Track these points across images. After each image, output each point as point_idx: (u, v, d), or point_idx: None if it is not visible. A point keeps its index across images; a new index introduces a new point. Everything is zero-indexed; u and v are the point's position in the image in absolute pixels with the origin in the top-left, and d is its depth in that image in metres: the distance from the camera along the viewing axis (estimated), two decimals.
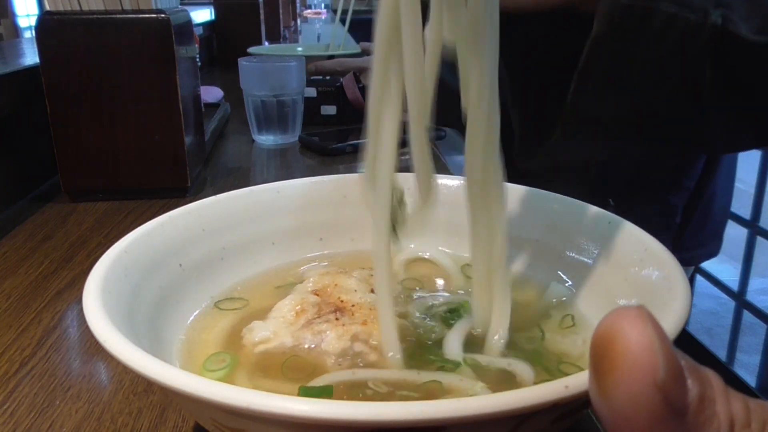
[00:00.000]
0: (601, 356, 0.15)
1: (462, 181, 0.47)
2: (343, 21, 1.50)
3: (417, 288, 0.42)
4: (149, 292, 0.35)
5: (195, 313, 0.38)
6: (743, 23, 0.48)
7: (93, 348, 0.45)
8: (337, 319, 0.36)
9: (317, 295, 0.38)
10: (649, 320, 0.15)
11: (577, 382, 0.21)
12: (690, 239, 1.03)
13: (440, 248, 0.46)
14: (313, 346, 0.34)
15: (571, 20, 0.49)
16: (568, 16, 0.49)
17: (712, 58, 0.48)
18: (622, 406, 0.15)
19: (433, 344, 0.35)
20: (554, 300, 0.39)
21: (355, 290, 0.38)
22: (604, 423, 0.15)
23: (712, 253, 1.10)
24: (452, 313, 0.37)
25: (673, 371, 0.15)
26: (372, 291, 0.39)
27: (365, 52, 1.33)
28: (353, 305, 0.37)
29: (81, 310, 0.28)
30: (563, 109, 0.51)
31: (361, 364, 0.33)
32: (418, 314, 0.38)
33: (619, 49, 0.47)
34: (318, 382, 0.31)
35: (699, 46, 0.47)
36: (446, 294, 0.41)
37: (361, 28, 1.55)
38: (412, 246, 0.47)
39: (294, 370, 0.33)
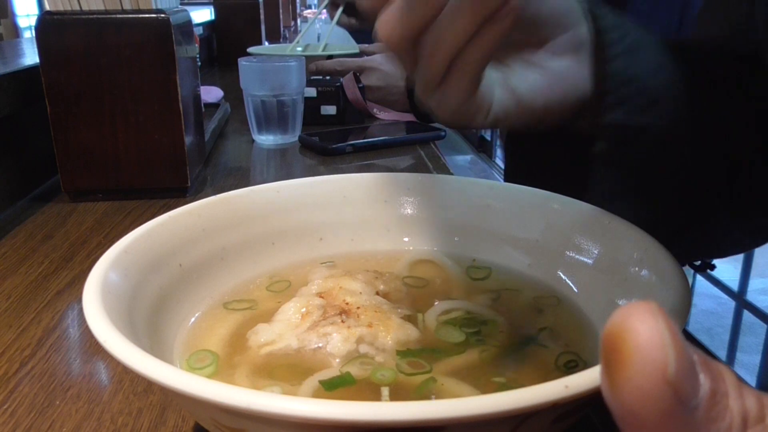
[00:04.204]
0: (611, 352, 0.15)
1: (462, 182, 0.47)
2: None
3: (420, 287, 0.42)
4: (149, 292, 0.35)
5: (196, 314, 0.38)
6: None
7: (93, 348, 0.45)
8: (342, 321, 0.36)
9: (322, 297, 0.38)
10: (659, 315, 0.15)
11: (577, 382, 0.21)
12: None
13: (441, 249, 0.46)
14: (318, 347, 0.34)
15: (570, 137, 0.48)
16: (566, 134, 0.48)
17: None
18: (632, 401, 0.15)
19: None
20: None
21: (360, 292, 0.38)
22: (616, 418, 0.15)
23: None
24: (477, 325, 0.37)
25: (683, 366, 0.14)
26: (377, 293, 0.39)
27: (364, 53, 1.33)
28: (358, 307, 0.37)
29: (81, 310, 0.28)
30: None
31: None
32: (429, 318, 0.38)
33: (624, 162, 0.47)
34: (315, 378, 0.31)
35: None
36: (457, 300, 0.40)
37: (362, 29, 1.55)
38: (412, 248, 0.47)
39: (298, 372, 0.33)
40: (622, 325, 0.15)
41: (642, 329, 0.14)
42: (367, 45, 1.34)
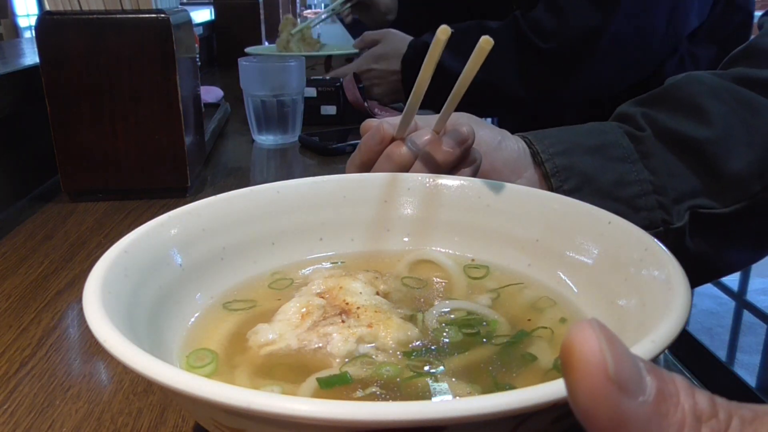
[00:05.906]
0: (565, 365, 0.17)
1: (462, 182, 0.47)
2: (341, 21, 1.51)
3: (420, 287, 0.42)
4: (149, 292, 0.35)
5: (196, 314, 0.38)
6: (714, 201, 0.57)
7: (93, 348, 0.45)
8: (342, 321, 0.36)
9: (322, 297, 0.38)
10: (598, 328, 0.17)
11: None
12: None
13: (441, 249, 0.46)
14: (318, 347, 0.34)
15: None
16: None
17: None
18: (585, 402, 0.16)
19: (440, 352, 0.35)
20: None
21: (361, 292, 0.38)
22: (582, 424, 0.17)
23: None
24: (477, 326, 0.37)
25: (623, 366, 0.16)
26: (377, 293, 0.39)
27: (360, 50, 1.33)
28: (358, 307, 0.37)
29: (81, 310, 0.28)
30: None
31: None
32: (429, 318, 0.37)
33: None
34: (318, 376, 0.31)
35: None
36: (457, 300, 0.40)
37: (360, 28, 1.55)
38: (412, 248, 0.47)
39: (298, 371, 0.33)
40: (569, 341, 0.17)
41: (583, 340, 0.17)
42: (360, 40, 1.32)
